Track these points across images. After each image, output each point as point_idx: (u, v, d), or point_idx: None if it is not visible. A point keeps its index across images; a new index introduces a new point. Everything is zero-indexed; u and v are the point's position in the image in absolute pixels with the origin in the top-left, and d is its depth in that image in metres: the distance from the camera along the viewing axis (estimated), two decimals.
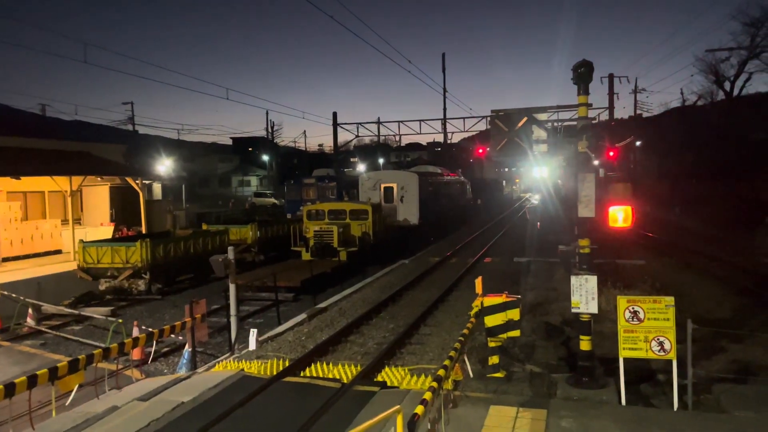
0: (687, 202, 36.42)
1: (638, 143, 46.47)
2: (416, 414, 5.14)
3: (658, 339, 7.36)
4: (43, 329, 14.60)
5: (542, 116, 33.89)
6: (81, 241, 18.62)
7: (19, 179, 21.34)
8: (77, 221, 24.72)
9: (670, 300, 7.39)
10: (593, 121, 37.74)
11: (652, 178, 44.93)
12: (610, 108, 38.77)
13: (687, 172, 38.54)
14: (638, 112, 50.46)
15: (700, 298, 13.45)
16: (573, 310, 8.10)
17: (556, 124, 40.72)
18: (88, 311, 15.60)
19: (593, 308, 7.96)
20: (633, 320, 7.45)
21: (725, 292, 14.22)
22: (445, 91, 46.42)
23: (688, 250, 21.82)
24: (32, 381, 7.29)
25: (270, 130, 67.97)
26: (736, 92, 37.35)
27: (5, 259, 20.53)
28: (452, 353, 7.35)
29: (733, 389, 7.76)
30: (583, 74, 7.93)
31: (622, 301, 7.54)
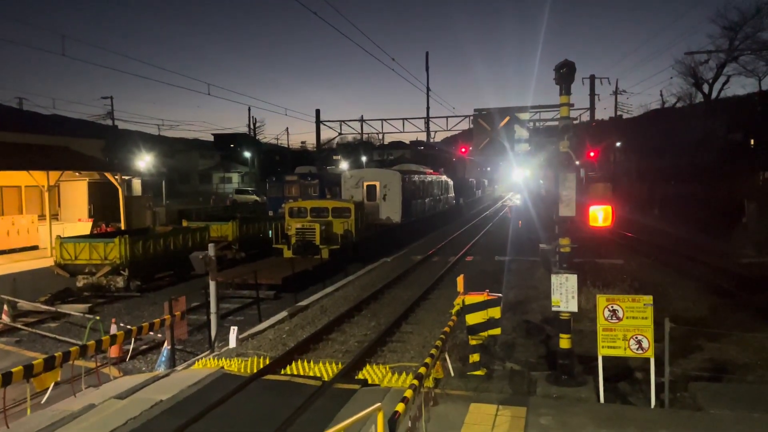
0: (666, 202, 36.89)
1: (618, 144, 46.99)
2: (397, 412, 5.15)
3: (636, 337, 7.45)
4: (19, 326, 14.35)
5: (524, 116, 34.09)
6: (58, 236, 18.34)
7: None
8: (54, 217, 24.34)
9: (648, 299, 7.48)
10: (575, 122, 38.02)
11: (631, 178, 45.47)
12: (591, 109, 39.15)
13: (666, 173, 39.05)
14: (618, 113, 51.00)
15: (678, 297, 13.64)
16: (553, 309, 8.15)
17: (537, 124, 41.02)
18: (65, 308, 15.39)
19: (573, 307, 8.02)
20: (612, 319, 7.53)
21: (702, 292, 14.44)
22: (428, 89, 46.55)
23: (666, 250, 22.11)
24: (7, 378, 7.16)
25: (252, 126, 67.59)
26: (714, 95, 37.91)
27: None
28: (433, 351, 7.37)
29: (709, 387, 7.87)
30: (565, 74, 7.99)
31: (601, 300, 7.62)
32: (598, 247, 19.92)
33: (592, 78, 38.87)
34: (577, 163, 8.21)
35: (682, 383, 8.06)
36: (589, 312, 10.85)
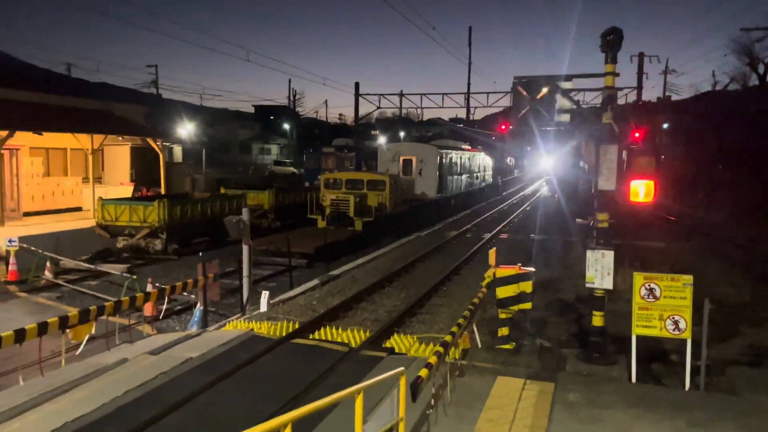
0: (711, 187, 35.69)
1: (665, 126, 45.45)
2: (420, 377, 5.09)
3: (673, 318, 7.21)
4: (61, 282, 14.82)
5: (567, 85, 33.08)
6: (100, 198, 18.78)
7: (42, 135, 21.52)
8: (98, 179, 24.94)
9: (688, 278, 7.21)
10: (620, 101, 36.73)
11: (677, 162, 43.99)
12: (639, 88, 37.82)
13: (713, 157, 37.69)
14: (667, 93, 49.22)
15: (719, 281, 13.20)
16: (587, 285, 7.96)
17: (581, 102, 39.89)
18: (105, 267, 15.81)
19: (608, 284, 7.81)
20: (648, 297, 7.29)
21: (745, 278, 13.95)
22: (470, 63, 45.80)
23: (709, 235, 21.43)
24: (42, 328, 7.37)
25: (292, 98, 67.75)
26: None
27: (26, 214, 20.84)
28: (461, 321, 7.28)
29: (747, 372, 7.61)
30: (612, 42, 7.67)
31: (638, 278, 7.38)
32: (639, 230, 19.40)
33: (641, 56, 37.47)
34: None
35: (719, 367, 7.81)
36: (624, 293, 10.56)
